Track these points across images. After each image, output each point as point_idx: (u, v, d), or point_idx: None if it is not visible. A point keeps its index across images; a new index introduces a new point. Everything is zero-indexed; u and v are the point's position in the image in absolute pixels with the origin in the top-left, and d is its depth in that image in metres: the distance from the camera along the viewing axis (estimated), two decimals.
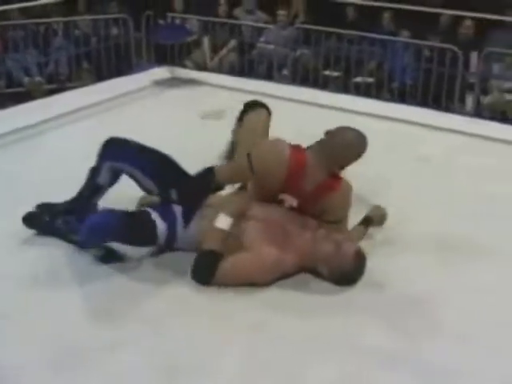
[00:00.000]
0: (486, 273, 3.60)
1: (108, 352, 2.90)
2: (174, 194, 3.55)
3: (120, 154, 3.66)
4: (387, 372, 2.86)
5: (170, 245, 3.55)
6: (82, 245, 3.53)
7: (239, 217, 3.52)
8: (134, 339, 3.00)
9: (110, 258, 3.53)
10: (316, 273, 3.49)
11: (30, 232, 3.75)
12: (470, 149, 5.30)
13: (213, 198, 3.65)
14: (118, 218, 3.40)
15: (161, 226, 3.46)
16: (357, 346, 3.02)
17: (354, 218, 3.81)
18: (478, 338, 3.10)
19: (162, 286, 3.42)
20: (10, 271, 3.46)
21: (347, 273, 3.41)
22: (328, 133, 3.64)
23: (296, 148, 3.68)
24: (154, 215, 3.47)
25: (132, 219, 3.46)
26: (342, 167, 3.64)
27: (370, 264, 3.48)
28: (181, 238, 3.53)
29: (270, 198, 3.66)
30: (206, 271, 3.37)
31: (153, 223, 3.45)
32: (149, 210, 3.52)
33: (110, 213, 3.46)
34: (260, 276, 3.37)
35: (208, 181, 3.64)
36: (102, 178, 3.68)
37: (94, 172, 3.69)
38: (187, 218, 3.53)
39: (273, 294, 3.38)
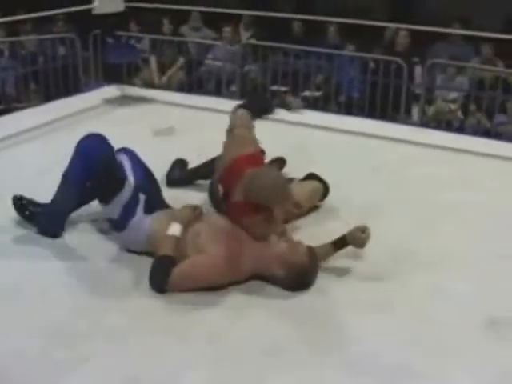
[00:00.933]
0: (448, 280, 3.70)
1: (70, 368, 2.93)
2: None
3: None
4: None
5: (126, 216, 3.73)
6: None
7: (190, 224, 3.66)
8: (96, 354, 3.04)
9: None
10: (268, 279, 3.57)
11: None
12: (419, 158, 5.43)
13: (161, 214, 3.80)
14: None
15: (130, 179, 3.77)
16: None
17: (317, 231, 3.89)
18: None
19: (121, 298, 3.47)
20: None
21: (303, 270, 3.49)
22: (256, 172, 3.71)
23: (252, 157, 3.81)
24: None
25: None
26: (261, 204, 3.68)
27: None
28: (134, 223, 3.72)
29: None
30: (163, 276, 3.44)
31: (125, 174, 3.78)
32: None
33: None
34: (213, 275, 3.45)
35: None
36: None
37: None
38: (148, 208, 3.76)
39: (232, 302, 3.45)
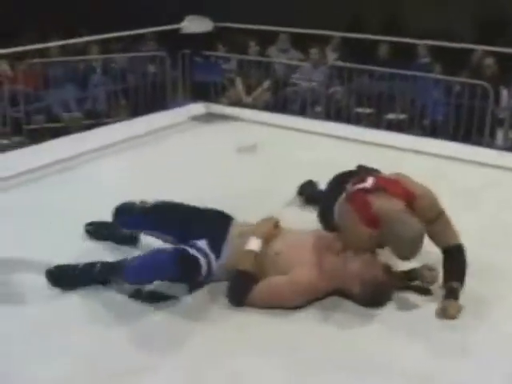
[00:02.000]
0: None
1: None
2: (201, 243, 3.64)
3: (132, 222, 3.92)
4: None
5: (207, 279, 3.66)
6: (129, 282, 3.60)
7: (269, 239, 3.69)
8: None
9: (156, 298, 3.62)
10: (346, 295, 3.61)
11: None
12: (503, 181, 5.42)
13: (240, 227, 3.80)
14: (166, 258, 3.51)
15: (202, 260, 3.56)
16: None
17: None
18: None
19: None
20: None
21: (379, 287, 3.52)
22: (401, 216, 3.55)
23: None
24: (192, 251, 3.56)
25: (180, 257, 3.52)
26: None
27: None
28: (215, 270, 3.64)
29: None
30: (241, 291, 3.52)
31: (196, 259, 3.55)
32: (183, 247, 3.61)
33: (157, 253, 3.59)
34: (293, 299, 3.51)
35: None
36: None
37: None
38: (216, 250, 3.65)
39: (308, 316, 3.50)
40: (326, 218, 4.08)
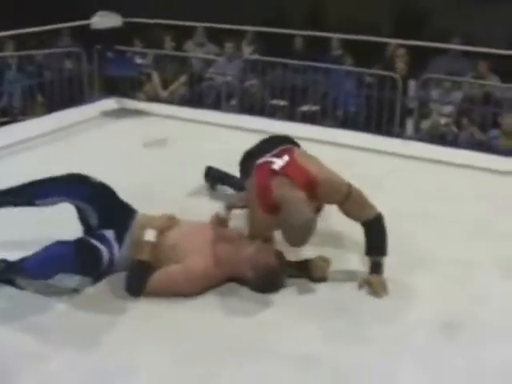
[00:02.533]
0: None
1: None
2: (108, 233, 3.72)
3: (76, 192, 3.85)
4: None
5: (109, 269, 3.72)
6: (31, 277, 3.60)
7: (166, 230, 3.81)
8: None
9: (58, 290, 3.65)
10: (242, 281, 3.73)
11: None
12: (408, 170, 5.64)
13: (142, 220, 3.89)
14: (66, 250, 3.53)
15: (104, 251, 3.62)
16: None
17: None
18: None
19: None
20: None
21: (271, 271, 3.64)
22: (293, 204, 3.62)
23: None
24: (95, 242, 3.62)
25: (79, 249, 3.56)
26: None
27: None
28: (117, 260, 3.71)
29: None
30: (139, 281, 3.61)
31: (97, 249, 3.60)
32: (87, 238, 3.68)
33: (57, 245, 3.57)
34: (189, 286, 3.62)
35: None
36: (43, 202, 3.89)
37: (38, 194, 3.87)
38: (119, 241, 3.74)
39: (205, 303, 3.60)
40: (245, 170, 4.23)
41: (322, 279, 3.83)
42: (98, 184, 3.91)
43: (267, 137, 4.47)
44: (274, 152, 4.02)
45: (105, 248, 3.62)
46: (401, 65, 8.70)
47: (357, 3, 12.68)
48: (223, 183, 4.99)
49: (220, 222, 4.10)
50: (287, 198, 3.66)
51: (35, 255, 3.56)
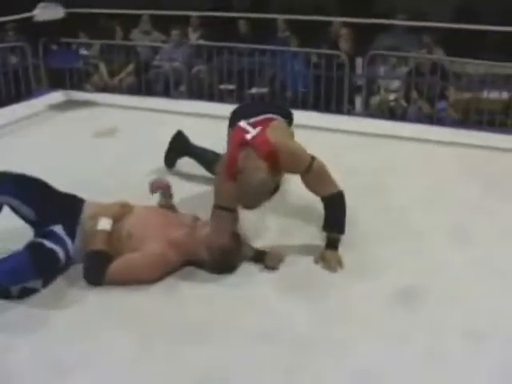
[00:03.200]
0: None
1: None
2: (57, 229, 3.68)
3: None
4: None
5: (66, 264, 3.71)
6: None
7: (119, 218, 3.81)
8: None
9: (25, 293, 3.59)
10: (199, 265, 3.76)
11: None
12: (359, 145, 5.72)
13: (92, 209, 3.87)
14: (23, 259, 3.51)
15: (59, 251, 3.61)
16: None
17: None
18: None
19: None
20: None
21: (227, 251, 3.69)
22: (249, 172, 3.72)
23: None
24: (48, 243, 3.60)
25: (35, 255, 3.54)
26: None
27: None
28: (72, 254, 3.71)
29: None
30: (98, 270, 3.60)
31: (53, 252, 3.59)
32: (40, 240, 3.63)
33: (15, 257, 3.55)
34: (148, 273, 3.63)
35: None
36: None
37: None
38: (71, 234, 3.72)
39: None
40: (232, 120, 4.35)
41: (275, 268, 3.86)
42: (21, 177, 3.81)
43: (263, 102, 4.60)
44: (256, 119, 4.14)
45: (58, 247, 3.61)
46: (344, 44, 8.75)
47: None
48: (188, 154, 5.07)
49: (167, 208, 4.13)
50: (246, 168, 3.74)
51: None
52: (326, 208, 3.96)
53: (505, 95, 7.89)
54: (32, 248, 3.59)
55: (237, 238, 3.78)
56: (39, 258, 3.54)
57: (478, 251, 4.02)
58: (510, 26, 7.43)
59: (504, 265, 3.86)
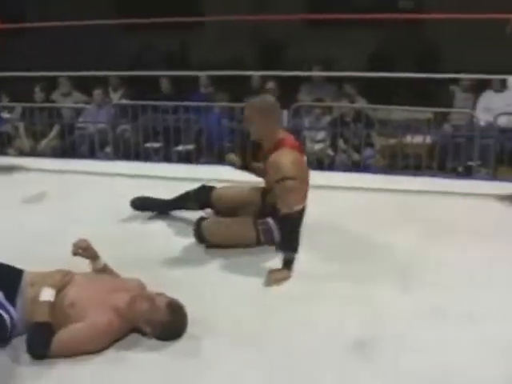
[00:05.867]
0: None
1: None
2: None
3: None
4: None
5: (11, 334, 3.56)
6: None
7: (61, 287, 3.68)
8: None
9: None
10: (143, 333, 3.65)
11: None
12: None
13: (31, 278, 3.76)
14: None
15: (5, 315, 3.50)
16: None
17: None
18: None
19: None
20: None
21: (167, 325, 3.57)
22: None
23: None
24: None
25: None
26: None
27: None
28: (17, 321, 3.58)
29: None
30: (42, 343, 3.46)
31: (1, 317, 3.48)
32: None
33: None
34: (94, 343, 3.51)
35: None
36: None
37: None
38: (11, 300, 3.60)
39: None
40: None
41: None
42: None
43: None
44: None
45: (4, 313, 3.49)
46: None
47: (220, 39, 12.75)
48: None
49: (102, 271, 4.03)
50: None
51: None
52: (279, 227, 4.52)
53: (428, 139, 8.03)
54: None
55: (175, 307, 3.65)
56: None
57: (426, 298, 4.01)
58: (424, 72, 7.70)
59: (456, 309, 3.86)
